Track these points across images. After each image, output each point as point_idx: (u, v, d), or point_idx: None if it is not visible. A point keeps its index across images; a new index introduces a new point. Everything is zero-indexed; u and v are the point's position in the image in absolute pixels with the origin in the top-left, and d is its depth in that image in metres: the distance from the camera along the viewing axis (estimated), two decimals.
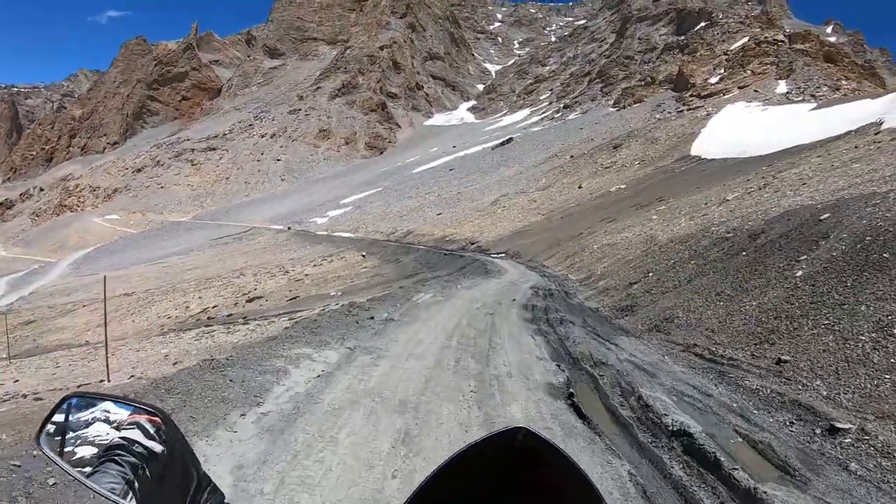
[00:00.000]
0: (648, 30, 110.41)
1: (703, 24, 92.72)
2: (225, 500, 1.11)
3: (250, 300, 25.81)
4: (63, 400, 1.21)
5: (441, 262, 27.72)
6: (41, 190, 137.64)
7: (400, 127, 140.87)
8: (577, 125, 78.94)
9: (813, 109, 41.83)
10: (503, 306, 13.53)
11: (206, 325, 19.44)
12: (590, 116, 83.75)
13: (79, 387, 12.07)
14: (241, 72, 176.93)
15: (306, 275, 31.30)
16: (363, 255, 36.38)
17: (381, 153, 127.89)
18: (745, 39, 72.86)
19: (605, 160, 48.83)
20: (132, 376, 11.85)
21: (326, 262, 35.64)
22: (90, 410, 1.19)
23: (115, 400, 1.20)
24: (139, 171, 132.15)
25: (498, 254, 30.60)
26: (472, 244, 36.00)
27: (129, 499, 1.02)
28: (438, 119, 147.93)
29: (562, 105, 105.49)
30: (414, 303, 14.63)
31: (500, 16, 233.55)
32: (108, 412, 1.17)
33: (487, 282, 18.47)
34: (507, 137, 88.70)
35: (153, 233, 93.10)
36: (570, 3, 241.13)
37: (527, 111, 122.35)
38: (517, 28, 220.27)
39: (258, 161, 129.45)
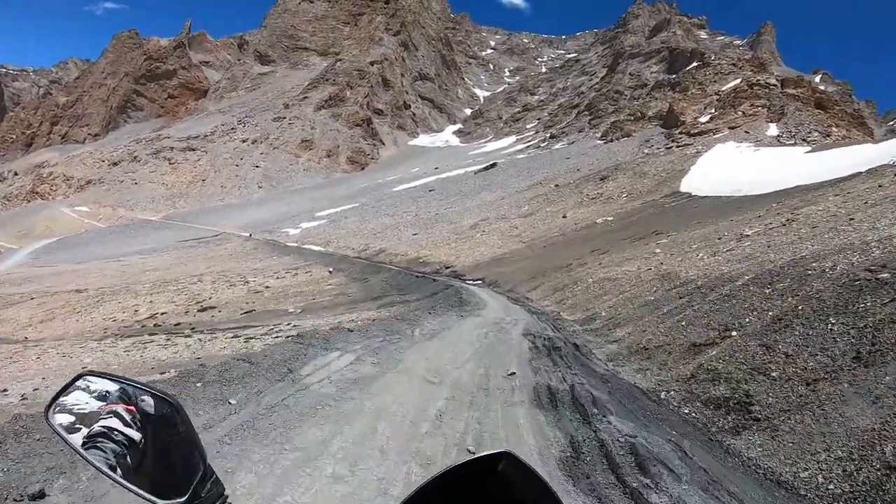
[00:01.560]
0: (640, 66, 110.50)
1: (695, 64, 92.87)
2: (225, 493, 1.13)
3: (203, 309, 24.36)
4: (77, 377, 1.22)
5: (412, 286, 25.61)
6: (15, 174, 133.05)
7: (384, 144, 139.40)
8: (563, 154, 77.61)
9: (808, 153, 40.58)
10: (495, 397, 7.53)
11: (150, 333, 18.28)
12: (576, 147, 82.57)
13: None
14: (229, 74, 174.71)
15: (267, 287, 29.65)
16: (330, 271, 34.42)
17: (363, 169, 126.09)
18: (738, 81, 72.48)
19: (591, 191, 47.17)
20: (23, 396, 9.47)
21: (290, 276, 33.88)
22: (99, 391, 1.21)
23: (127, 383, 1.21)
24: (115, 164, 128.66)
25: (475, 280, 28.55)
26: (448, 268, 33.84)
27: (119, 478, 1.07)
28: (423, 140, 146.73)
29: (548, 135, 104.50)
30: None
31: (493, 43, 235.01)
32: (110, 394, 1.18)
33: (461, 322, 14.64)
34: (490, 162, 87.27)
35: (120, 229, 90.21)
36: (563, 37, 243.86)
37: (513, 138, 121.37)
38: (509, 56, 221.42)
39: (237, 166, 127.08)
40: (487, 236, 40.84)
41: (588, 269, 21.76)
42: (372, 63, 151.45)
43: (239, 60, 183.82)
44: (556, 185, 54.58)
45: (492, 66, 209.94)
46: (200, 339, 15.21)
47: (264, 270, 37.72)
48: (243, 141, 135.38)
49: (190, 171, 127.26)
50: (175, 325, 20.86)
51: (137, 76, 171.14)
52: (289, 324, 17.41)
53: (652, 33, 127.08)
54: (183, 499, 1.09)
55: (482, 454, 0.86)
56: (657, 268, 17.29)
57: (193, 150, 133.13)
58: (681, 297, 12.70)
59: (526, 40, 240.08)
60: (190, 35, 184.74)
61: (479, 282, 27.85)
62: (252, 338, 14.74)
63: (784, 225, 16.23)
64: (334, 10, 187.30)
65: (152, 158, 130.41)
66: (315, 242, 55.84)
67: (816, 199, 19.65)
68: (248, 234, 69.03)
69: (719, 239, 18.03)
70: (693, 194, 37.21)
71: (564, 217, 41.19)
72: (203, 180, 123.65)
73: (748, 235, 16.32)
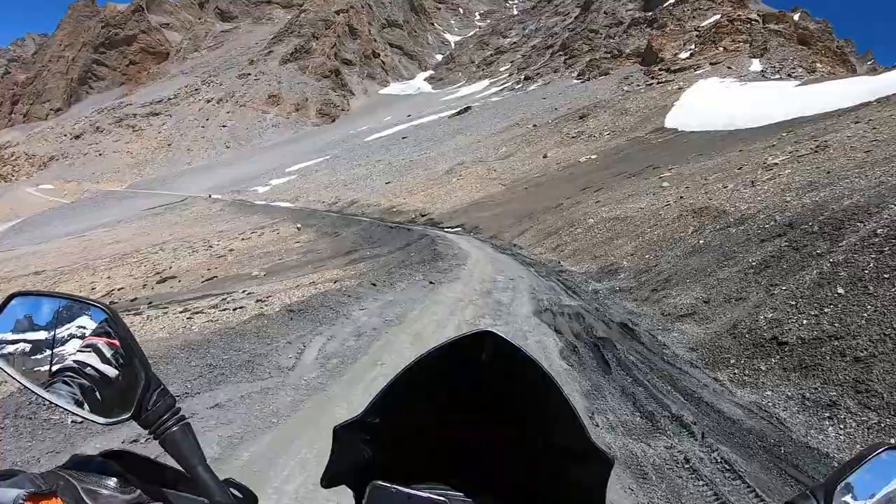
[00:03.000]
0: (615, 4, 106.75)
1: (672, 0, 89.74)
2: (176, 405, 1.05)
3: (162, 281, 23.44)
4: (8, 298, 1.11)
5: (385, 237, 23.84)
6: None
7: (354, 95, 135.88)
8: (539, 95, 75.14)
9: (798, 86, 38.64)
10: None
11: None
12: (553, 87, 80.00)
13: None
14: (191, 35, 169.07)
15: (231, 250, 28.38)
16: (298, 228, 32.64)
17: (333, 121, 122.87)
18: (717, 17, 70.49)
19: (571, 130, 45.10)
20: None
21: (256, 236, 32.30)
22: (40, 312, 1.11)
23: (63, 297, 1.11)
24: (77, 137, 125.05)
25: (453, 227, 26.69)
26: (423, 216, 31.91)
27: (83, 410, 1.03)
28: (394, 88, 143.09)
29: (523, 76, 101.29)
30: None
31: None
32: (58, 316, 1.09)
33: (438, 289, 12.04)
34: (464, 106, 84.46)
35: (85, 203, 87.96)
36: None
37: (486, 82, 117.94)
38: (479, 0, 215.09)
39: (203, 127, 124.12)
40: (464, 181, 38.90)
41: (584, 208, 19.84)
42: (338, 12, 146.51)
43: (200, 19, 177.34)
44: (534, 126, 52.47)
45: (462, 11, 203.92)
46: (148, 317, 13.88)
47: (230, 232, 36.40)
48: (208, 101, 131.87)
49: (155, 136, 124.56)
50: (131, 300, 19.69)
51: (96, 45, 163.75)
52: (244, 291, 15.61)
53: None
54: (128, 414, 1.01)
55: (464, 333, 0.85)
56: (678, 202, 15.34)
57: (157, 114, 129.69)
58: (761, 239, 9.91)
59: None
60: None
61: (459, 229, 26.09)
62: (198, 312, 13.17)
63: (816, 152, 14.55)
64: None
65: (115, 127, 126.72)
66: (284, 199, 54.34)
67: (836, 128, 17.81)
68: (207, 195, 68.18)
69: (739, 169, 16.39)
70: (680, 130, 35.78)
71: (545, 157, 39.36)
72: (169, 145, 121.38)
73: (776, 164, 14.51)
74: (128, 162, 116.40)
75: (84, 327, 1.08)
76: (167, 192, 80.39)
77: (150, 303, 17.42)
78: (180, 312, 13.70)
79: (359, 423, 0.91)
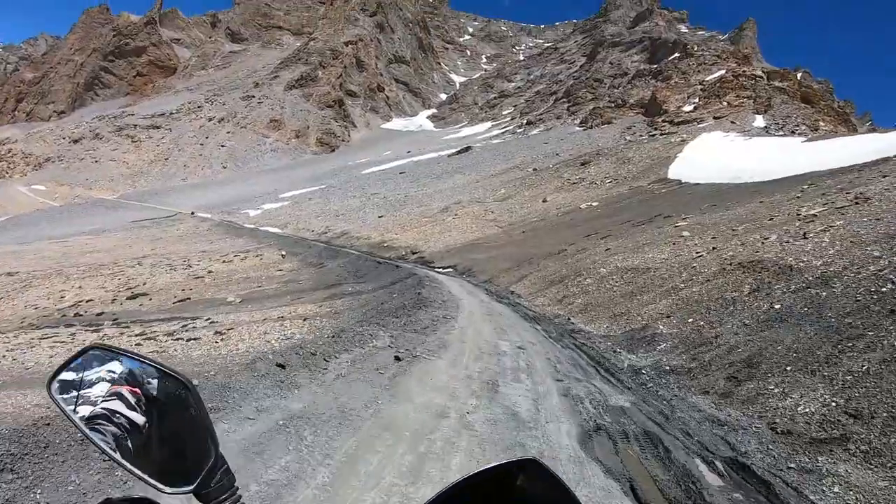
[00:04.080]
0: (621, 56, 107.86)
1: (677, 54, 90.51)
2: (235, 484, 1.09)
3: (133, 297, 22.64)
4: (84, 350, 1.18)
5: (371, 273, 22.72)
6: None
7: (356, 127, 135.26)
8: (541, 140, 74.75)
9: (805, 142, 38.02)
10: None
11: (68, 325, 17.00)
12: (555, 133, 79.63)
13: None
14: (200, 52, 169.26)
15: (210, 272, 27.51)
16: (283, 255, 31.61)
17: (333, 151, 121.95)
18: (722, 72, 70.81)
19: (572, 175, 44.19)
20: None
21: (238, 259, 31.21)
22: (105, 366, 1.16)
23: (138, 359, 1.17)
24: (76, 141, 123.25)
25: (444, 268, 25.38)
26: (414, 253, 30.60)
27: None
28: (397, 123, 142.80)
29: (525, 121, 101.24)
30: None
31: (471, 29, 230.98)
32: (115, 373, 1.15)
33: (406, 377, 7.70)
34: (465, 146, 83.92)
35: (73, 208, 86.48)
36: (542, 26, 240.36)
37: (488, 124, 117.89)
38: (486, 43, 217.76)
39: (201, 145, 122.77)
40: (460, 220, 37.74)
41: (591, 255, 18.39)
42: (346, 43, 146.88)
43: (210, 38, 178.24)
44: (535, 169, 51.62)
45: (469, 53, 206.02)
46: (103, 336, 13.44)
47: (212, 253, 35.27)
48: (209, 119, 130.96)
49: (153, 149, 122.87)
50: (97, 314, 19.35)
51: (106, 52, 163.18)
52: (209, 319, 15.15)
53: (633, 24, 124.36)
54: (191, 487, 1.04)
55: (507, 461, 0.84)
56: (713, 254, 13.69)
57: (157, 127, 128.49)
58: (890, 309, 7.50)
59: (504, 28, 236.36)
60: (161, 11, 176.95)
61: (451, 269, 24.83)
62: (151, 338, 12.74)
63: (857, 203, 13.39)
64: None
65: (114, 136, 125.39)
66: (274, 224, 53.07)
67: (864, 181, 16.76)
68: (191, 213, 67.86)
69: (771, 220, 14.99)
70: (684, 181, 34.88)
71: (545, 201, 38.33)
72: (165, 159, 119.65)
73: (815, 215, 13.25)
74: (123, 172, 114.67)
75: (131, 376, 1.10)
76: (157, 206, 79.32)
77: (115, 319, 17.18)
78: (135, 335, 13.08)
79: None
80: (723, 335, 9.30)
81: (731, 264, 12.18)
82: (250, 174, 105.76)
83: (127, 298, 22.38)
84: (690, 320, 10.55)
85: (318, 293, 19.07)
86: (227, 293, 21.28)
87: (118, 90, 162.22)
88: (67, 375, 1.15)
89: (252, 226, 52.97)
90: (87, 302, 22.70)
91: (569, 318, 13.46)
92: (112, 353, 1.16)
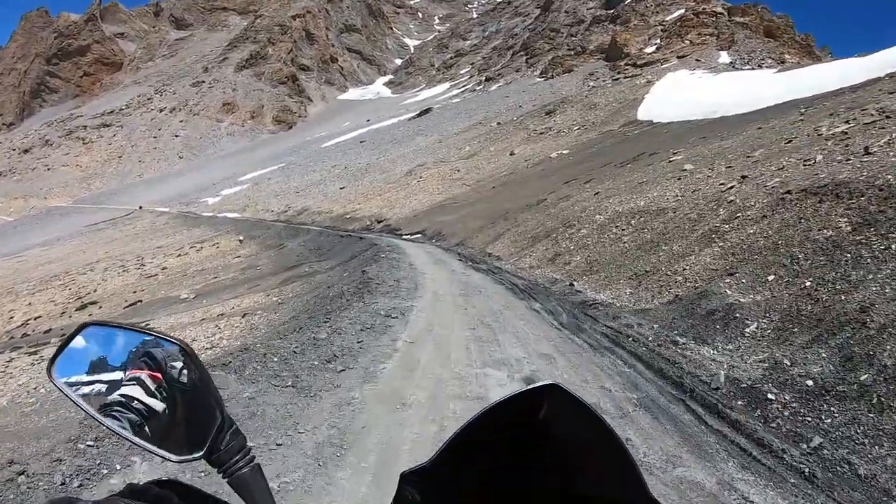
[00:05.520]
0: (576, 3, 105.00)
1: None
2: (247, 444, 1.08)
3: (82, 307, 21.92)
4: (80, 327, 1.16)
5: (335, 248, 20.97)
6: None
7: (312, 101, 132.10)
8: (501, 94, 72.74)
9: (778, 72, 36.68)
10: None
11: (14, 348, 15.67)
12: (515, 86, 77.59)
13: None
14: (144, 44, 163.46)
15: (164, 268, 26.64)
16: (240, 240, 30.06)
17: (290, 128, 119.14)
18: (682, 11, 69.31)
19: (538, 126, 42.46)
20: None
21: (194, 251, 29.93)
22: (107, 341, 1.16)
23: (134, 329, 1.16)
24: (26, 151, 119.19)
25: (412, 234, 23.69)
26: (379, 222, 28.83)
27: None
28: (353, 93, 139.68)
29: (484, 77, 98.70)
30: None
31: None
32: (124, 344, 1.14)
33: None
34: (425, 108, 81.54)
35: (27, 221, 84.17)
36: None
37: (446, 85, 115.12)
38: (438, 3, 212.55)
39: (154, 138, 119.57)
40: (425, 182, 35.98)
41: (580, 202, 16.12)
42: (294, 17, 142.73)
43: (154, 28, 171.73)
44: (499, 123, 49.91)
45: (421, 15, 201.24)
46: (34, 362, 11.91)
47: (167, 248, 34.25)
48: (161, 111, 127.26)
49: (105, 148, 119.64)
50: (45, 332, 18.52)
51: (49, 56, 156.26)
52: (144, 324, 13.07)
53: None
54: (201, 453, 1.03)
55: (528, 387, 0.83)
56: (747, 183, 10.94)
57: (108, 126, 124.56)
58: None
59: None
60: (102, 7, 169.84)
61: (419, 235, 23.10)
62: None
63: (889, 117, 11.40)
64: None
65: (65, 140, 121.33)
66: (233, 209, 51.05)
67: (871, 99, 14.96)
68: (138, 207, 67.23)
69: (789, 143, 12.85)
70: (656, 121, 33.51)
71: (512, 154, 36.69)
72: (119, 157, 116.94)
73: (844, 132, 11.42)
74: (77, 176, 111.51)
75: (152, 360, 1.08)
76: (113, 207, 77.40)
77: (62, 333, 15.72)
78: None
79: (425, 471, 0.89)
80: (874, 306, 6.05)
81: (788, 192, 9.31)
82: (208, 161, 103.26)
83: (76, 310, 21.40)
84: (773, 278, 7.57)
85: (275, 277, 17.54)
86: (182, 289, 20.16)
87: (66, 93, 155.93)
88: (68, 357, 1.11)
89: (210, 213, 51.25)
90: (35, 319, 21.83)
91: (571, 284, 10.94)
92: (108, 328, 1.13)
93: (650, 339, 7.57)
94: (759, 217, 9.22)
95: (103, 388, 1.05)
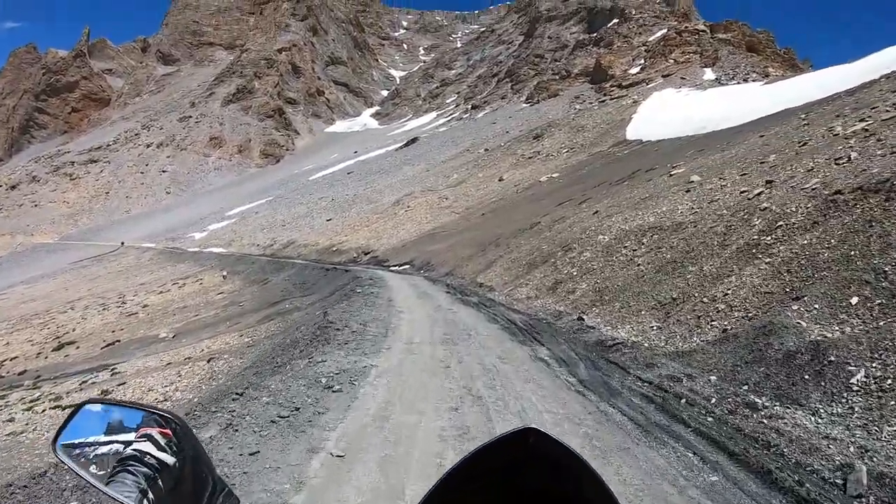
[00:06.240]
0: (558, 29, 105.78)
1: (615, 20, 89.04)
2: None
3: (59, 347, 21.38)
4: (80, 405, 1.21)
5: (319, 282, 20.06)
6: None
7: (299, 134, 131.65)
8: (488, 121, 72.74)
9: (766, 84, 36.40)
10: None
11: None
12: (501, 112, 77.69)
13: None
14: (132, 80, 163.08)
15: (145, 306, 26.10)
16: (224, 276, 29.24)
17: (278, 161, 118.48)
18: (665, 31, 69.73)
19: (526, 151, 42.02)
20: None
21: (176, 288, 29.31)
22: (107, 417, 1.20)
23: (132, 406, 1.21)
24: (13, 188, 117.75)
25: (400, 265, 22.85)
26: (366, 254, 28.05)
27: None
28: (340, 126, 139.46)
29: (470, 106, 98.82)
30: None
31: (405, 23, 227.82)
32: (123, 420, 1.18)
33: None
34: (412, 138, 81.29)
35: (13, 258, 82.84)
36: (476, 12, 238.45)
37: (433, 114, 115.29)
38: (423, 35, 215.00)
39: (142, 173, 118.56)
40: (413, 211, 35.25)
41: (578, 223, 15.11)
42: (280, 50, 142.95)
43: (141, 63, 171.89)
44: (486, 150, 49.57)
45: (406, 46, 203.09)
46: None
47: (150, 284, 33.61)
48: (148, 146, 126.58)
49: (92, 184, 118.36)
50: (20, 373, 18.16)
51: (38, 92, 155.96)
52: (112, 369, 12.57)
53: None
54: None
55: (507, 432, 0.84)
56: (779, 188, 9.64)
57: (95, 161, 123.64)
58: None
59: (439, 18, 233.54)
60: (89, 43, 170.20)
61: (407, 266, 22.24)
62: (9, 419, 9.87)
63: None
64: (238, 1, 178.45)
65: (52, 176, 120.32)
66: (219, 244, 50.29)
67: (875, 100, 14.18)
68: (120, 243, 67.19)
69: (805, 146, 11.92)
70: (645, 140, 33.02)
71: (501, 180, 36.19)
72: (107, 193, 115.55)
73: (865, 129, 10.59)
74: (63, 212, 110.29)
75: (147, 440, 1.13)
76: (99, 243, 76.51)
77: (37, 376, 15.85)
78: (26, 404, 10.77)
79: None
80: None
81: (838, 193, 8.01)
82: (195, 196, 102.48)
83: (52, 350, 20.84)
84: (857, 301, 5.88)
85: (256, 315, 16.70)
86: (161, 328, 19.64)
87: (54, 129, 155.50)
88: (70, 433, 1.16)
89: (196, 248, 50.24)
90: (11, 360, 21.27)
91: (580, 318, 9.27)
92: (107, 405, 1.18)
93: (714, 401, 5.55)
94: (809, 224, 7.84)
95: (109, 452, 1.08)
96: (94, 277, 45.44)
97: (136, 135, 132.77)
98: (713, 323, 7.13)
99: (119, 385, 9.55)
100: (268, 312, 16.29)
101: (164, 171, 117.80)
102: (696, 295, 7.98)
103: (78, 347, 20.42)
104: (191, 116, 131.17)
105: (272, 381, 6.72)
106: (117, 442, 1.09)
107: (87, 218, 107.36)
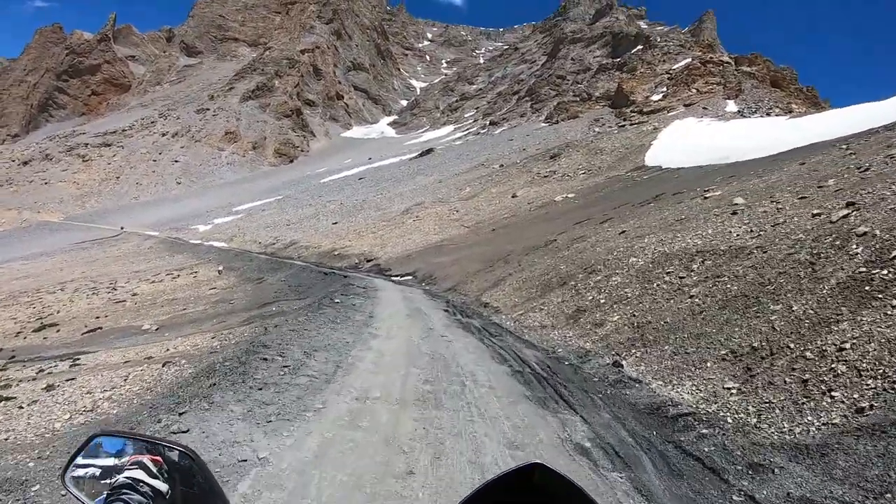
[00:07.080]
0: (582, 51, 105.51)
1: (640, 47, 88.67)
2: None
3: (40, 328, 21.04)
4: (90, 438, 1.22)
5: (315, 286, 19.13)
6: None
7: (315, 136, 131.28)
8: (505, 137, 72.01)
9: (792, 118, 35.58)
10: None
11: None
12: (519, 130, 76.88)
13: None
14: (154, 68, 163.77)
15: (134, 294, 25.47)
16: (219, 271, 28.36)
17: (292, 161, 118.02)
18: (688, 60, 69.09)
19: (542, 169, 41.11)
20: None
21: (170, 279, 28.55)
22: (115, 449, 1.21)
23: (141, 439, 1.22)
24: (25, 164, 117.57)
25: (402, 275, 21.93)
26: (369, 261, 27.14)
27: None
28: (357, 131, 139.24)
29: (488, 121, 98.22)
30: None
31: (429, 35, 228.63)
32: (128, 451, 1.19)
33: None
34: (427, 148, 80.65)
35: (16, 233, 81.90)
36: (501, 30, 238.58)
37: (451, 127, 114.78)
38: (446, 48, 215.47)
39: (154, 161, 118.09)
40: (422, 222, 34.42)
41: (602, 242, 13.74)
42: (303, 51, 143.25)
43: (165, 52, 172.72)
44: (501, 166, 48.61)
45: (428, 58, 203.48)
46: None
47: (144, 273, 32.77)
48: (163, 135, 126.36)
49: (104, 167, 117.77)
50: None
51: (59, 72, 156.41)
52: (75, 360, 11.30)
53: (593, 20, 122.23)
54: None
55: (513, 467, 0.85)
56: (858, 212, 8.05)
57: (109, 145, 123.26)
58: None
59: (463, 33, 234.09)
60: (115, 28, 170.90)
61: (409, 277, 21.32)
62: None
63: None
64: None
65: (65, 156, 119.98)
66: (220, 238, 49.40)
67: None
68: (119, 228, 67.18)
69: (865, 171, 10.92)
70: (665, 167, 32.21)
71: (514, 196, 35.28)
72: (117, 177, 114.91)
73: None
74: (72, 192, 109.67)
75: (151, 445, 1.17)
76: (103, 226, 76.19)
77: (12, 356, 15.10)
78: None
79: None
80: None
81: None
82: (205, 189, 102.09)
83: (33, 331, 20.37)
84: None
85: (243, 314, 15.89)
86: (146, 319, 18.77)
87: (73, 110, 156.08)
88: (79, 464, 1.17)
89: (198, 241, 49.53)
90: None
91: (617, 365, 7.31)
92: (117, 437, 1.19)
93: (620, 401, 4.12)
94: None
95: (106, 481, 1.08)
96: (92, 260, 44.86)
97: (152, 122, 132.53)
98: (833, 394, 5.07)
99: (67, 380, 8.55)
100: (255, 313, 15.46)
101: (176, 161, 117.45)
102: (792, 346, 6.03)
103: (59, 331, 19.92)
104: (208, 109, 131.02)
105: (149, 426, 5.15)
106: (113, 470, 1.07)
107: (95, 200, 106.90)
